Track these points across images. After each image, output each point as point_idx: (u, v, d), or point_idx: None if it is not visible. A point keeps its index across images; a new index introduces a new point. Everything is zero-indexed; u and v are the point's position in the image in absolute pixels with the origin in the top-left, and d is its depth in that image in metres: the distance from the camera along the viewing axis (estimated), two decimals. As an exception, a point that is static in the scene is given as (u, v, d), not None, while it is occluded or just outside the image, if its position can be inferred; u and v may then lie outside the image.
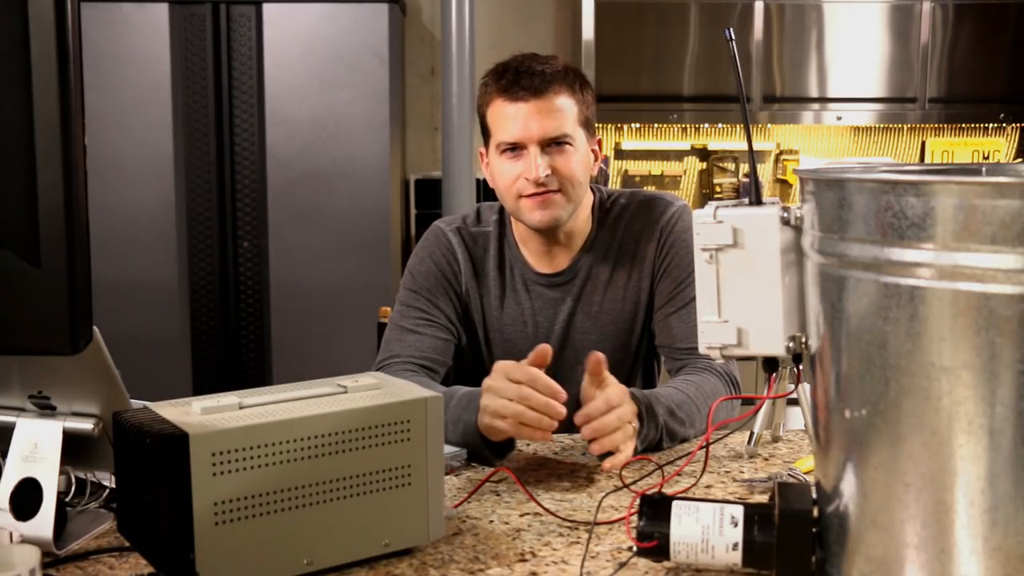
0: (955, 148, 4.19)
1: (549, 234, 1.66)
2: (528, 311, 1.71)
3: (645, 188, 4.04)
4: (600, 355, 1.35)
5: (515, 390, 1.29)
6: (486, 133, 1.65)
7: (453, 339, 1.69)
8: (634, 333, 1.71)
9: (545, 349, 1.31)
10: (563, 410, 1.28)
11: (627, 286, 1.69)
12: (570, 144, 1.58)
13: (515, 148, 1.58)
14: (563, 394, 1.29)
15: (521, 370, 1.29)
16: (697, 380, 1.55)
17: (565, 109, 1.57)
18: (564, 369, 1.72)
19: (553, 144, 1.57)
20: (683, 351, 1.63)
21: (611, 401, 1.32)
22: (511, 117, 1.57)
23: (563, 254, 1.70)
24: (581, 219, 1.68)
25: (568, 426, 1.76)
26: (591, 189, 1.72)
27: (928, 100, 3.87)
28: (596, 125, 1.69)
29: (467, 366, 1.74)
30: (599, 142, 1.69)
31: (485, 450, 1.37)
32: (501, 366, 1.33)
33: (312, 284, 3.55)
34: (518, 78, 1.56)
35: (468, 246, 1.72)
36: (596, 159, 1.68)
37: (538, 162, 1.56)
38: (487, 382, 1.33)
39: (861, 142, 4.23)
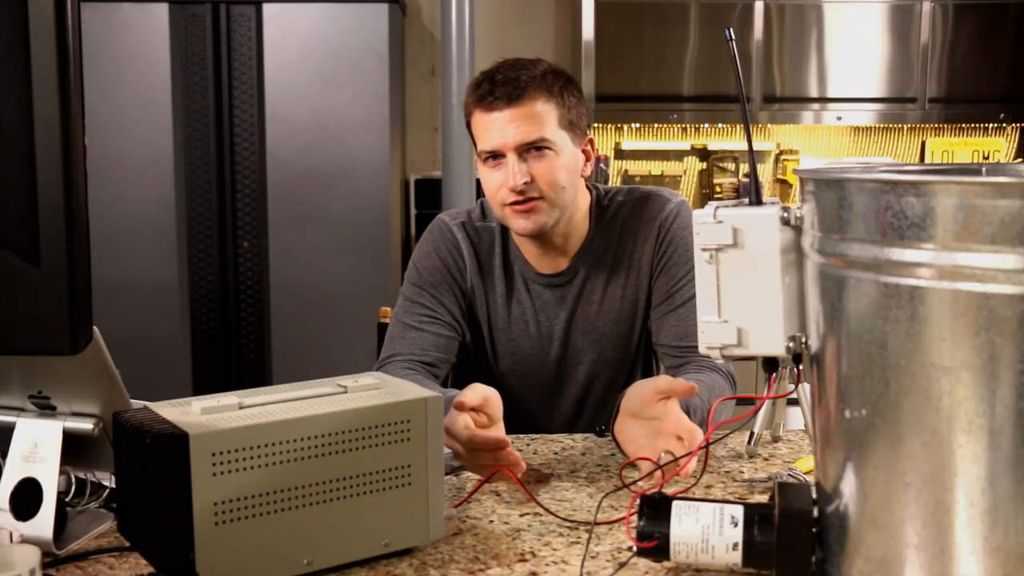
0: (955, 148, 4.19)
1: (543, 238, 1.65)
2: (530, 311, 1.70)
3: (645, 188, 4.04)
4: (692, 387, 1.32)
5: (466, 436, 1.26)
6: (473, 142, 1.65)
7: (457, 336, 1.68)
8: (634, 332, 1.70)
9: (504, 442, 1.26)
10: (521, 466, 1.25)
11: (626, 285, 1.68)
12: (550, 149, 1.56)
13: (496, 156, 1.57)
14: (506, 442, 1.26)
15: (474, 434, 1.26)
16: (708, 381, 1.54)
17: (542, 114, 1.55)
18: (564, 370, 1.72)
19: (532, 150, 1.55)
20: (682, 349, 1.63)
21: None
22: (488, 126, 1.57)
23: (561, 256, 1.69)
24: (577, 220, 1.67)
25: (569, 426, 1.76)
26: (588, 188, 1.71)
27: (928, 100, 3.87)
28: (593, 125, 1.68)
29: (471, 363, 1.74)
30: (591, 142, 1.66)
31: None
32: (467, 401, 1.29)
33: (312, 284, 3.55)
34: (493, 87, 1.55)
35: (473, 242, 1.71)
36: (588, 160, 1.66)
37: (515, 170, 1.54)
38: (451, 411, 1.29)
39: (861, 142, 4.22)
